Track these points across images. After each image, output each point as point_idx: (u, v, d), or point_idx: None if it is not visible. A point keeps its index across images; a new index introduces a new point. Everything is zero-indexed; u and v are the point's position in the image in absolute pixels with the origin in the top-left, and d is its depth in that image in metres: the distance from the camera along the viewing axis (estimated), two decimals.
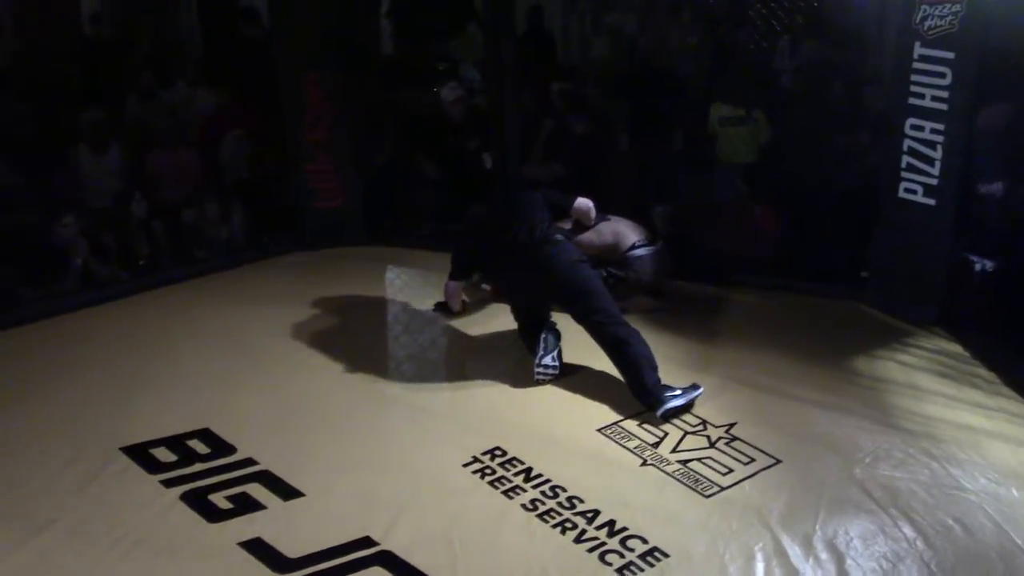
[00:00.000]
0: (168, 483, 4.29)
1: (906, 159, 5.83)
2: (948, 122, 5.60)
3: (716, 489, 4.26)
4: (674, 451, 4.57)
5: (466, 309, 6.15)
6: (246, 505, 4.14)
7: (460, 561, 3.78)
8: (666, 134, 7.74)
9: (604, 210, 6.09)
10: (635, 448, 4.59)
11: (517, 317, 5.55)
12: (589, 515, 4.06)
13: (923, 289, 5.92)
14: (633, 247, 6.04)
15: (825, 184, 6.68)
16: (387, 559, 3.78)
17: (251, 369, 5.38)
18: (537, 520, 4.04)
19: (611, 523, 4.00)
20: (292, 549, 3.82)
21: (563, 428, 4.79)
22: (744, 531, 3.95)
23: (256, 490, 4.24)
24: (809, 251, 6.65)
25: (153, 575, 3.71)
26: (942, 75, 5.57)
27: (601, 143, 7.46)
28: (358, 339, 5.80)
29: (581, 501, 4.15)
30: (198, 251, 7.40)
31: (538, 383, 5.17)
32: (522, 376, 5.22)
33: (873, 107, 6.88)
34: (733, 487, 4.28)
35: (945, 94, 5.58)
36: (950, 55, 5.51)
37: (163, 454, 4.52)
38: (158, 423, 4.76)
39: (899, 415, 4.88)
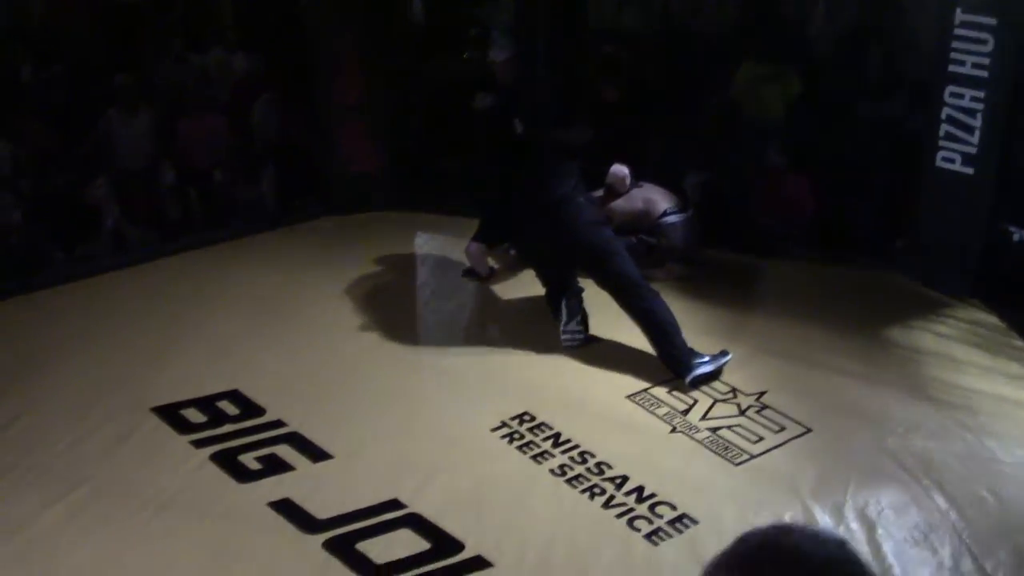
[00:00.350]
0: (198, 443, 4.32)
1: (945, 127, 5.71)
2: (988, 90, 5.48)
3: (746, 457, 4.24)
4: (704, 418, 4.54)
5: (495, 275, 6.12)
6: (275, 466, 4.16)
7: (488, 524, 3.78)
8: (698, 99, 7.63)
9: (636, 177, 6.04)
10: (664, 415, 4.57)
11: (543, 282, 5.52)
12: (618, 481, 4.05)
13: (960, 259, 5.82)
14: (664, 214, 6.00)
15: (860, 152, 6.57)
16: (415, 521, 3.80)
17: (281, 332, 5.39)
18: (566, 485, 4.04)
19: (640, 489, 3.99)
20: (321, 510, 3.85)
21: (592, 394, 4.77)
22: (774, 499, 3.93)
23: (285, 451, 4.26)
24: (843, 220, 6.55)
25: (184, 534, 3.74)
26: (984, 42, 5.44)
27: (633, 108, 7.37)
28: (388, 304, 5.80)
29: (610, 467, 4.14)
30: (229, 215, 7.41)
31: (565, 349, 5.15)
32: (551, 342, 5.20)
33: (911, 74, 6.74)
34: (763, 455, 4.26)
35: (986, 61, 5.45)
36: (992, 21, 5.39)
37: (193, 415, 4.56)
38: (188, 384, 4.79)
39: (933, 386, 4.82)
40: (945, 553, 3.64)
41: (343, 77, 7.29)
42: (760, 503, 3.90)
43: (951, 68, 5.62)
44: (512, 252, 6.38)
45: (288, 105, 7.84)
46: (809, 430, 4.43)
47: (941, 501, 3.90)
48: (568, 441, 4.34)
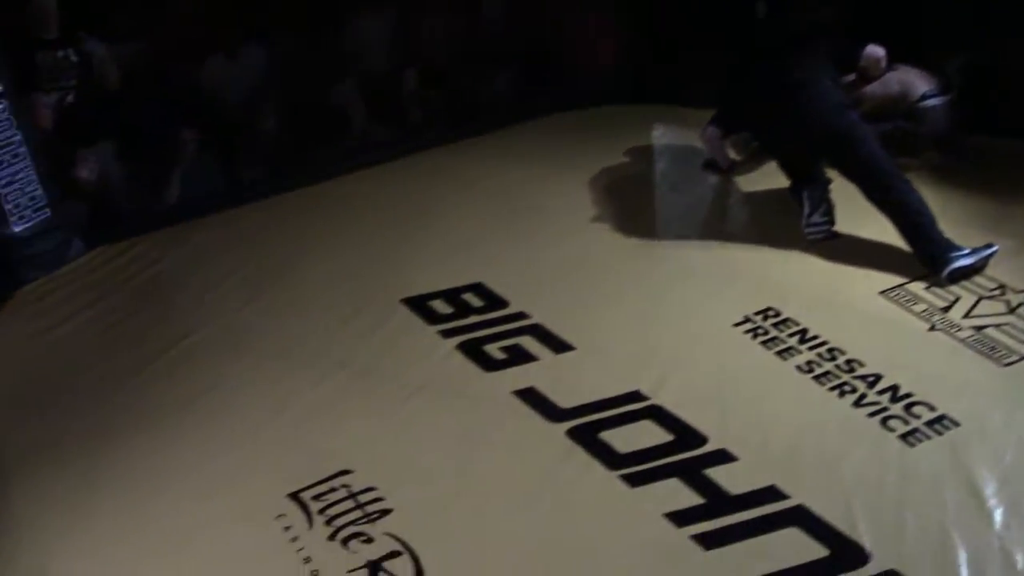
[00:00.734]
0: (445, 333, 4.48)
1: None
2: None
3: (1016, 358, 3.93)
4: (967, 316, 4.24)
5: (737, 166, 5.93)
6: (519, 356, 4.25)
7: (731, 418, 3.73)
8: None
9: (890, 59, 5.62)
10: (922, 312, 4.31)
11: (786, 173, 5.28)
12: (870, 379, 3.87)
13: None
14: (923, 97, 5.57)
15: None
16: (657, 413, 3.79)
17: (521, 227, 5.45)
18: (813, 382, 3.91)
19: (894, 388, 3.80)
20: (564, 399, 3.91)
21: (840, 290, 4.56)
22: None
23: (528, 343, 4.34)
24: None
25: (437, 415, 3.91)
26: None
27: None
28: (628, 198, 5.73)
29: (861, 365, 3.96)
30: (468, 113, 7.50)
31: (810, 242, 4.93)
32: (795, 236, 4.98)
33: None
34: None
35: None
36: None
37: (440, 306, 4.71)
38: (434, 277, 4.94)
39: None
40: None
41: None
42: None
43: None
44: (755, 143, 6.15)
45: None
46: None
47: None
48: (816, 337, 4.17)
